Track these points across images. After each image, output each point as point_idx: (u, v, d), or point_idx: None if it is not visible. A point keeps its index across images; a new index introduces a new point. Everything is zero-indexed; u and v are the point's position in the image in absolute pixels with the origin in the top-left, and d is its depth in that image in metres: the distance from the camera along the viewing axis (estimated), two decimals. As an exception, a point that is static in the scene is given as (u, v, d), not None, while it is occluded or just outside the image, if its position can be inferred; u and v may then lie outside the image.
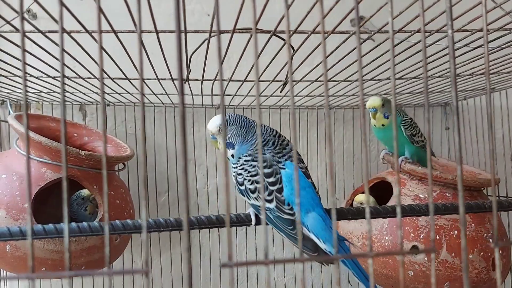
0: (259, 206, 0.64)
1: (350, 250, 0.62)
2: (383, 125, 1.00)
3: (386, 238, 0.97)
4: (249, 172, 0.65)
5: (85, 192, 1.01)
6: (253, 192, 0.64)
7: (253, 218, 0.65)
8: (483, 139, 1.25)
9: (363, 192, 1.08)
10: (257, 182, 0.63)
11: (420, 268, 0.92)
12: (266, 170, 0.63)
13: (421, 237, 0.93)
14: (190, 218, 0.67)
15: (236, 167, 0.66)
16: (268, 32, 0.61)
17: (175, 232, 1.26)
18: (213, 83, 0.97)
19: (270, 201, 0.62)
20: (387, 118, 0.99)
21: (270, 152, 0.65)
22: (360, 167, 1.32)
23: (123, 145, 1.09)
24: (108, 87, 1.01)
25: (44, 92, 1.06)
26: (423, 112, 1.36)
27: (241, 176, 0.65)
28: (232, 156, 0.69)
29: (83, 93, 1.08)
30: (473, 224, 0.95)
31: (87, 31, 0.61)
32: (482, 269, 0.93)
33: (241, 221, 0.65)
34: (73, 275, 0.29)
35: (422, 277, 0.92)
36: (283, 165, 0.64)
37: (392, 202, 1.02)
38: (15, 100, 1.19)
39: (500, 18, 0.62)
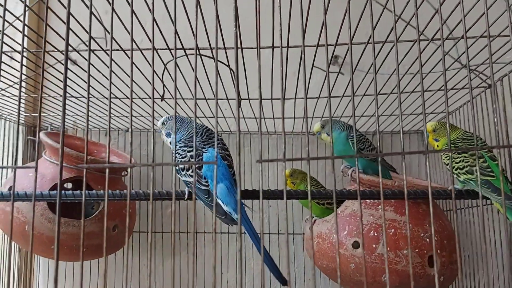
0: (187, 182, 0.84)
1: (246, 213, 0.79)
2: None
3: (334, 236, 1.10)
4: (180, 154, 0.86)
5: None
6: (183, 170, 0.84)
7: (186, 193, 0.85)
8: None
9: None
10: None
11: (360, 261, 1.04)
12: (191, 153, 0.84)
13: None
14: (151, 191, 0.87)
15: (173, 152, 0.88)
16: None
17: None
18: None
19: (192, 176, 0.82)
20: (329, 135, 1.16)
21: (198, 141, 0.86)
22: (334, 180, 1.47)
23: (128, 158, 1.35)
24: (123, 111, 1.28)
25: (80, 116, 1.38)
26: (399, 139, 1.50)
27: (175, 158, 0.86)
28: (170, 143, 0.91)
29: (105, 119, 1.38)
30: (410, 224, 1.06)
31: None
32: (417, 264, 1.03)
33: (178, 196, 0.84)
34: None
35: (363, 269, 1.04)
36: (206, 150, 0.85)
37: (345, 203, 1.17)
38: (56, 127, 1.52)
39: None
